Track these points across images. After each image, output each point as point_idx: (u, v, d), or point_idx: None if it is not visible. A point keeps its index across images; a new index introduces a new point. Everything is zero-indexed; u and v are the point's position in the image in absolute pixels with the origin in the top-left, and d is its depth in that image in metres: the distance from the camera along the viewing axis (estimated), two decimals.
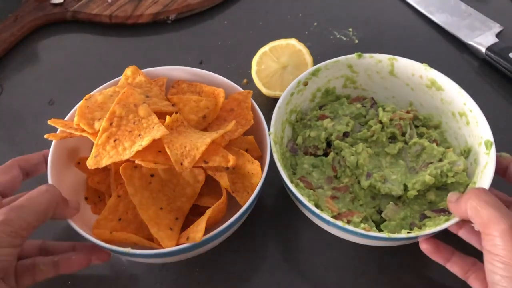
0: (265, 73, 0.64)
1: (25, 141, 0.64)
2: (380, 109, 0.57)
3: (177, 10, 0.78)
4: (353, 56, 0.57)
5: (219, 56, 0.73)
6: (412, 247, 0.48)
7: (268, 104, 0.65)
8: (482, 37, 0.73)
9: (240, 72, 0.70)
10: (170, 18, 0.78)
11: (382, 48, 0.75)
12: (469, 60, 0.73)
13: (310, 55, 0.64)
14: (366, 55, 0.57)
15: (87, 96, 0.47)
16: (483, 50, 0.71)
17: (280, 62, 0.63)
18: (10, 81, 0.71)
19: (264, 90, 0.64)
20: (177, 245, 0.44)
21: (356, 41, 0.76)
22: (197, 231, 0.43)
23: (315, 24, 0.79)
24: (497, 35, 0.73)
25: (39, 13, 0.78)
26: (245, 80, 0.69)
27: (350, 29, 0.78)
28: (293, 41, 0.64)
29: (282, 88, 0.60)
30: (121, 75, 0.52)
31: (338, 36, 0.77)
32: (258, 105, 0.53)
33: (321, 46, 0.75)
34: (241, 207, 0.45)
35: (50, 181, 0.47)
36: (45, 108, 0.68)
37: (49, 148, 0.49)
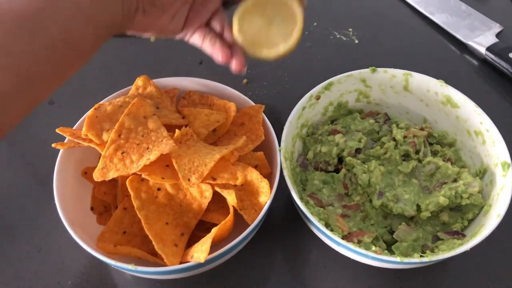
0: (249, 31, 0.56)
1: (25, 141, 0.65)
2: (394, 126, 0.58)
3: None
4: (367, 70, 0.58)
5: None
6: (425, 268, 0.49)
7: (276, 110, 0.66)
8: (482, 37, 0.75)
9: None
10: None
11: (382, 49, 0.77)
12: (469, 60, 0.76)
13: (299, 6, 0.55)
14: (380, 69, 0.58)
15: (96, 105, 0.49)
16: (483, 50, 0.73)
17: (264, 16, 0.56)
18: None
19: (250, 51, 0.56)
20: (181, 261, 0.45)
21: (356, 41, 0.78)
22: (202, 250, 0.44)
23: (315, 24, 0.80)
24: (497, 35, 0.76)
25: None
26: (244, 81, 0.70)
27: (350, 29, 0.79)
28: None
29: (269, 46, 0.55)
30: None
31: (338, 36, 0.79)
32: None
33: (321, 46, 0.77)
34: (247, 223, 0.47)
35: (55, 190, 0.48)
36: (45, 108, 0.69)
37: (52, 150, 0.50)
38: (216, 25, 0.52)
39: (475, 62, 0.75)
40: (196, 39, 0.51)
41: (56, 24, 0.38)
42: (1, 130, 0.37)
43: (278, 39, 0.52)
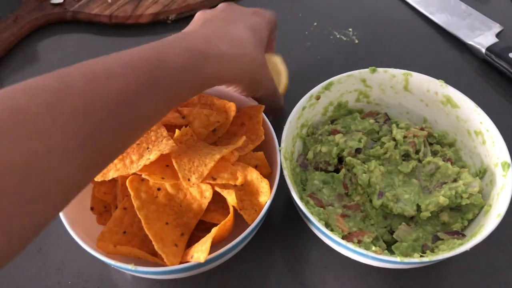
0: None
1: None
2: (394, 126, 0.58)
3: (177, 10, 0.81)
4: (367, 70, 0.59)
5: None
6: (425, 268, 0.49)
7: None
8: (482, 37, 0.75)
9: None
10: (170, 18, 0.80)
11: (382, 49, 0.77)
12: (469, 60, 0.76)
13: (283, 65, 0.63)
14: (380, 69, 0.59)
15: None
16: (483, 50, 0.73)
17: None
18: (10, 81, 0.73)
19: None
20: (181, 261, 0.45)
21: (356, 41, 0.78)
22: (202, 250, 0.44)
23: (315, 24, 0.81)
24: (497, 35, 0.76)
25: (39, 13, 0.80)
26: None
27: (350, 29, 0.80)
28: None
29: None
30: None
31: (338, 36, 0.79)
32: None
33: (321, 46, 0.77)
34: (247, 223, 0.47)
35: None
36: None
37: None
38: None
39: (475, 62, 0.75)
40: None
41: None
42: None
43: None
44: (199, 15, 0.51)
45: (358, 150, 0.56)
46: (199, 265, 0.45)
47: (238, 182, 0.46)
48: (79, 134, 0.30)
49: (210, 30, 0.46)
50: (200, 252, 0.44)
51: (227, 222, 0.46)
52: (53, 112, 0.29)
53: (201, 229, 0.50)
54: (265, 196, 0.48)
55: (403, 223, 0.52)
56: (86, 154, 0.31)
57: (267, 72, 0.52)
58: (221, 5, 0.53)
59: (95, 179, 0.45)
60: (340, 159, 0.57)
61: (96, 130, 0.31)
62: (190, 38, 0.43)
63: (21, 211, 0.28)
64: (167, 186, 0.48)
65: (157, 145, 0.46)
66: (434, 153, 0.58)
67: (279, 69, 0.63)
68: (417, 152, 0.57)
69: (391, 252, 0.50)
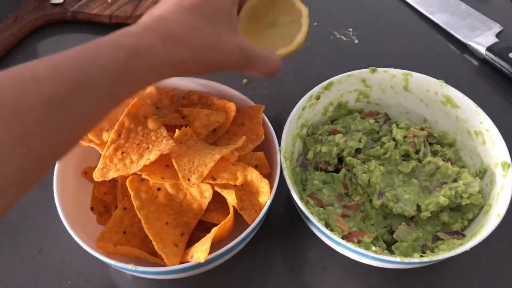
0: (253, 28, 0.56)
1: None
2: (394, 126, 0.58)
3: None
4: (367, 70, 0.59)
5: None
6: (425, 268, 0.49)
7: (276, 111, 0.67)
8: (482, 37, 0.75)
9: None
10: None
11: (382, 49, 0.77)
12: (469, 60, 0.76)
13: (305, 7, 0.56)
14: (380, 69, 0.59)
15: None
16: (483, 50, 0.73)
17: (269, 15, 0.57)
18: None
19: None
20: (181, 261, 0.45)
21: (356, 41, 0.78)
22: (202, 250, 0.44)
23: (315, 24, 0.81)
24: (497, 35, 0.76)
25: (39, 13, 0.80)
26: (244, 80, 0.71)
27: (350, 29, 0.80)
28: None
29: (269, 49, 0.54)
30: None
31: (338, 36, 0.79)
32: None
33: (321, 46, 0.77)
34: (247, 223, 0.47)
35: (55, 190, 0.48)
36: None
37: None
38: None
39: (475, 62, 0.76)
40: None
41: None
42: None
43: (279, 42, 0.54)
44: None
45: (358, 150, 0.56)
46: (199, 265, 0.45)
47: (238, 182, 0.46)
48: (6, 138, 0.30)
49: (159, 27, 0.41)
50: (200, 252, 0.44)
51: (227, 222, 0.46)
52: None
53: (201, 229, 0.50)
54: (265, 196, 0.48)
55: (403, 223, 0.52)
56: (18, 156, 0.31)
57: (233, 56, 0.45)
58: None
59: (95, 180, 0.45)
60: (340, 159, 0.57)
61: (26, 133, 0.31)
62: (127, 35, 0.39)
63: None
64: (167, 186, 0.48)
65: (157, 145, 0.46)
66: (434, 153, 0.58)
67: (300, 21, 0.56)
68: (417, 152, 0.57)
69: (391, 252, 0.50)
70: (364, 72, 0.59)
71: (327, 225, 0.51)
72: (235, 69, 0.47)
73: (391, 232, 0.52)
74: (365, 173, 0.54)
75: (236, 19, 0.48)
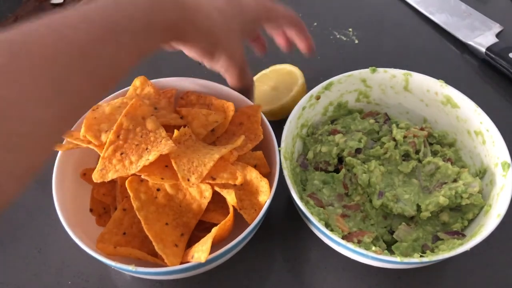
0: (257, 93, 0.63)
1: None
2: (394, 126, 0.58)
3: None
4: (367, 70, 0.59)
5: None
6: (425, 268, 0.49)
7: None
8: (482, 37, 0.76)
9: None
10: None
11: (382, 49, 0.77)
12: (469, 60, 0.76)
13: (301, 75, 0.65)
14: (380, 69, 0.59)
15: (94, 106, 0.49)
16: (483, 50, 0.73)
17: (273, 82, 0.66)
18: None
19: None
20: (182, 262, 0.45)
21: (356, 41, 0.78)
22: (203, 250, 0.44)
23: (315, 24, 0.81)
24: (497, 35, 0.76)
25: (39, 13, 0.79)
26: None
27: (350, 29, 0.80)
28: (287, 66, 0.67)
29: (268, 104, 0.63)
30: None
31: (338, 36, 0.79)
32: None
33: (321, 46, 0.77)
34: (247, 223, 0.47)
35: (54, 192, 0.48)
36: None
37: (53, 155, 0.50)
38: None
39: (475, 62, 0.75)
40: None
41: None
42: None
43: (277, 100, 0.62)
44: None
45: (358, 150, 0.56)
46: (199, 265, 0.45)
47: (238, 182, 0.46)
48: (54, 81, 0.31)
49: None
50: (200, 252, 0.44)
51: (227, 222, 0.46)
52: (18, 62, 0.30)
53: (201, 229, 0.50)
54: (265, 195, 0.48)
55: (403, 223, 0.52)
56: (61, 100, 0.31)
57: (231, 36, 0.48)
58: None
59: (94, 181, 0.45)
60: (340, 159, 0.57)
61: (67, 76, 0.32)
62: None
63: None
64: (167, 186, 0.48)
65: (156, 145, 0.46)
66: (434, 153, 0.58)
67: (292, 88, 0.64)
68: (417, 152, 0.56)
69: (391, 252, 0.50)
70: (364, 72, 0.59)
71: (327, 225, 0.51)
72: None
73: (391, 232, 0.52)
74: (365, 173, 0.54)
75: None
